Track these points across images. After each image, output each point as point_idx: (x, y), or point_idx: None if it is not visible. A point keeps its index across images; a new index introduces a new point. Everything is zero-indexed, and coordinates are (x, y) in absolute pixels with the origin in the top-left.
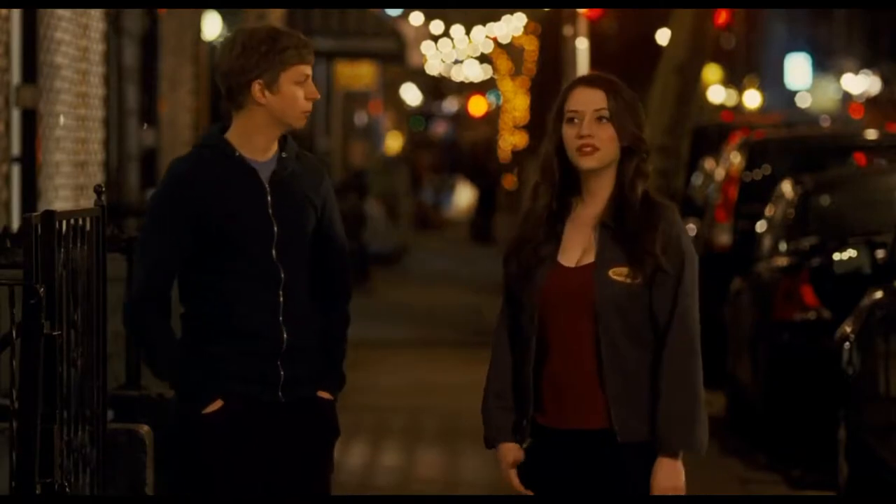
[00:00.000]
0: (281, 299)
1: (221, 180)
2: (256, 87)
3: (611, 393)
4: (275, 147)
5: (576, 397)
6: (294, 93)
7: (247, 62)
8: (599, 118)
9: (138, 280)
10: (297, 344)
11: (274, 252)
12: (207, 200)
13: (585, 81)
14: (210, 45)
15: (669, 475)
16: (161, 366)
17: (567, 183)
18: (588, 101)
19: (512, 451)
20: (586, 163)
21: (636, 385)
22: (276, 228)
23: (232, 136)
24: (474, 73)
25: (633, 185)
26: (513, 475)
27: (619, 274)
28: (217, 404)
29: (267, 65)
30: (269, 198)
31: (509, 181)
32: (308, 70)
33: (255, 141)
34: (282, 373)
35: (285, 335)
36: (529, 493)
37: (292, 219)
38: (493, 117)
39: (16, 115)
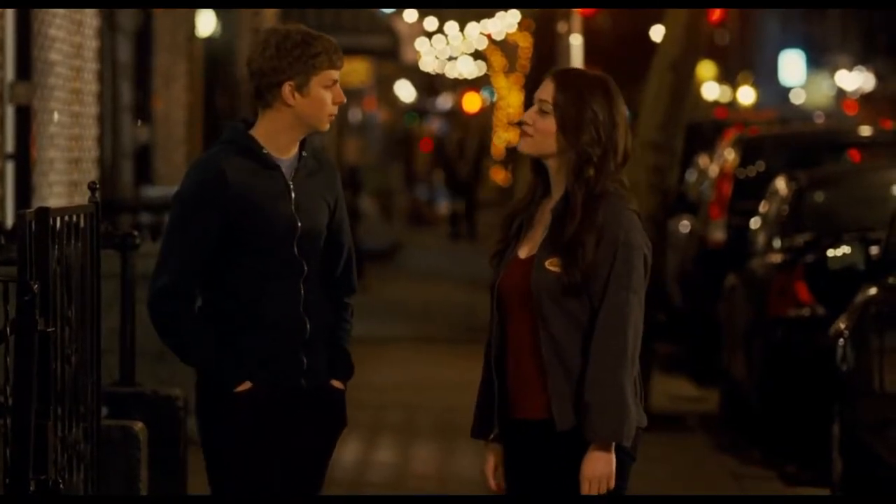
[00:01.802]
0: (302, 291)
1: (249, 176)
2: (287, 89)
3: (550, 382)
4: (296, 146)
5: (523, 387)
6: (323, 96)
7: (279, 63)
8: (542, 110)
9: (168, 272)
10: (316, 334)
11: (296, 247)
12: (237, 195)
13: (551, 73)
14: (205, 41)
15: (594, 464)
16: (195, 352)
17: (545, 179)
18: (541, 91)
19: (490, 453)
20: (520, 146)
21: (576, 374)
22: (299, 224)
23: (257, 133)
24: (468, 69)
25: (571, 187)
26: (488, 475)
27: (553, 265)
28: (246, 385)
29: (299, 68)
30: (292, 195)
31: (502, 177)
32: (336, 75)
33: (279, 140)
34: (304, 360)
35: (308, 325)
36: (499, 490)
37: (312, 215)
38: (467, 118)
39: (10, 112)
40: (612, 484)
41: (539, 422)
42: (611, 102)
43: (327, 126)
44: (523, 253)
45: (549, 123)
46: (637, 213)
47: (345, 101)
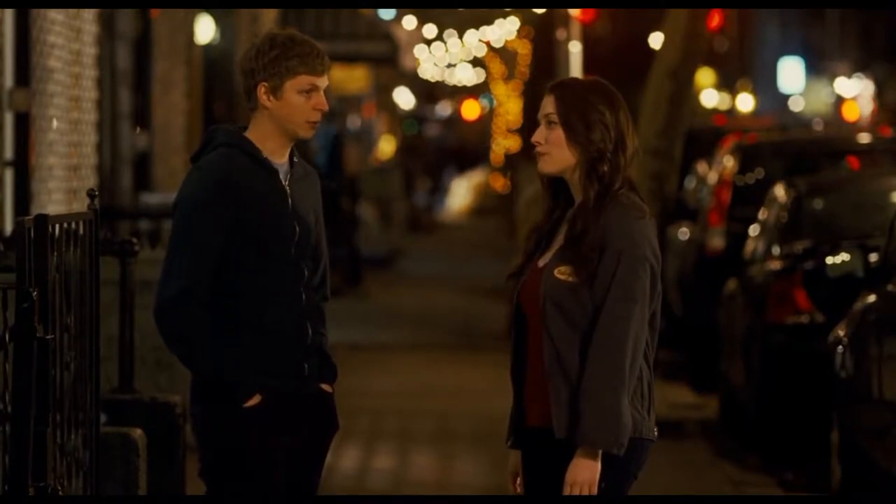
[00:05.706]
0: (303, 296)
1: (253, 179)
2: (262, 90)
3: (550, 389)
4: (286, 152)
5: (533, 394)
6: (296, 101)
7: (255, 65)
8: (549, 123)
9: (178, 277)
10: (315, 339)
11: (294, 251)
12: (244, 198)
13: (548, 88)
14: (204, 47)
15: (578, 470)
16: (204, 360)
17: (565, 190)
18: (543, 108)
19: (510, 459)
20: (541, 167)
21: (576, 382)
22: (297, 228)
23: (250, 136)
24: (467, 76)
25: (584, 187)
26: (510, 480)
27: (562, 273)
28: (256, 398)
29: (272, 70)
30: (289, 199)
31: (501, 184)
32: (317, 81)
33: (268, 144)
34: (306, 365)
35: (309, 330)
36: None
37: (306, 220)
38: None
39: (9, 119)
40: (595, 491)
41: (545, 429)
42: (612, 100)
43: (308, 133)
44: (541, 262)
45: (560, 134)
46: (650, 220)
47: (326, 108)
